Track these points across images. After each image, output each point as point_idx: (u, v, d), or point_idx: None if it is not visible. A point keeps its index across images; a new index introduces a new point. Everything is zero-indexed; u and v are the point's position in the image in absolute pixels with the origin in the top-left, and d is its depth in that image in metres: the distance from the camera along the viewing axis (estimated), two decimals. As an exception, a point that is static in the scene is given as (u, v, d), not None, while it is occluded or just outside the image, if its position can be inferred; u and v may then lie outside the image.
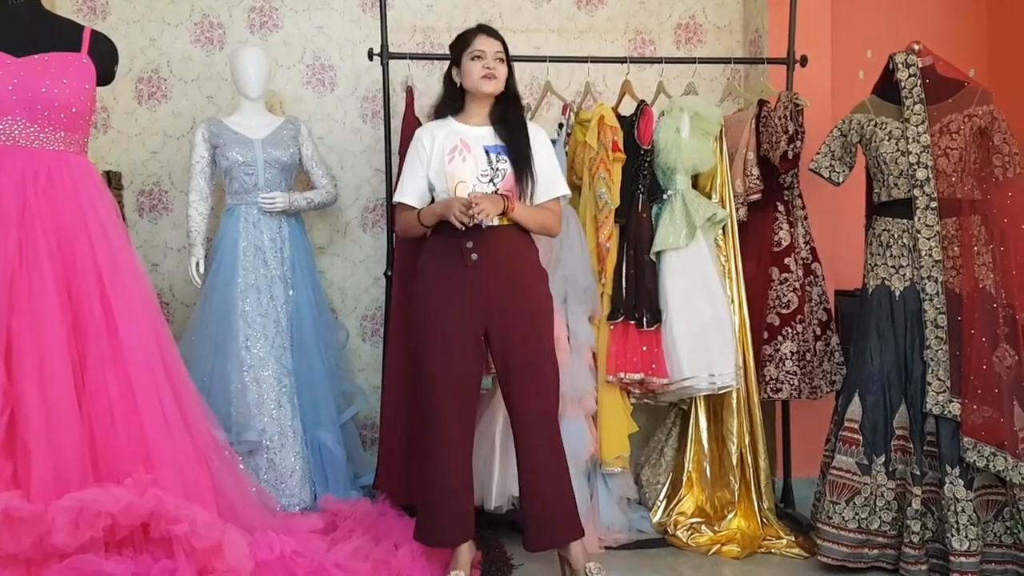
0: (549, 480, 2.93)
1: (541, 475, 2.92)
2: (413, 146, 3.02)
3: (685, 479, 3.64)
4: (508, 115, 3.00)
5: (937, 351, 3.07)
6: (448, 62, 3.05)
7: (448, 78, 3.03)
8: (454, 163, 2.92)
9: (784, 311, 3.61)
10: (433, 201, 2.97)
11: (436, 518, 2.94)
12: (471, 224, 2.77)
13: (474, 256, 2.85)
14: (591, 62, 3.80)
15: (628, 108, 3.70)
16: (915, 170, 3.12)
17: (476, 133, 2.97)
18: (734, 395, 3.57)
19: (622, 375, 3.45)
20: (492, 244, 2.88)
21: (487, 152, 2.94)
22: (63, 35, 2.69)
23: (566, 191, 3.10)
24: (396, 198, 3.04)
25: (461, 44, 2.98)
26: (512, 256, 2.94)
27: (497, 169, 2.92)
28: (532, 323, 2.95)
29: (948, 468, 3.00)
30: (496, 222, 2.89)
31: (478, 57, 2.93)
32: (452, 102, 3.02)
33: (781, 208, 3.67)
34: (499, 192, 2.90)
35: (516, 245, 2.95)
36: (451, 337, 2.89)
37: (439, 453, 2.91)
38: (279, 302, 3.70)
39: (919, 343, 3.11)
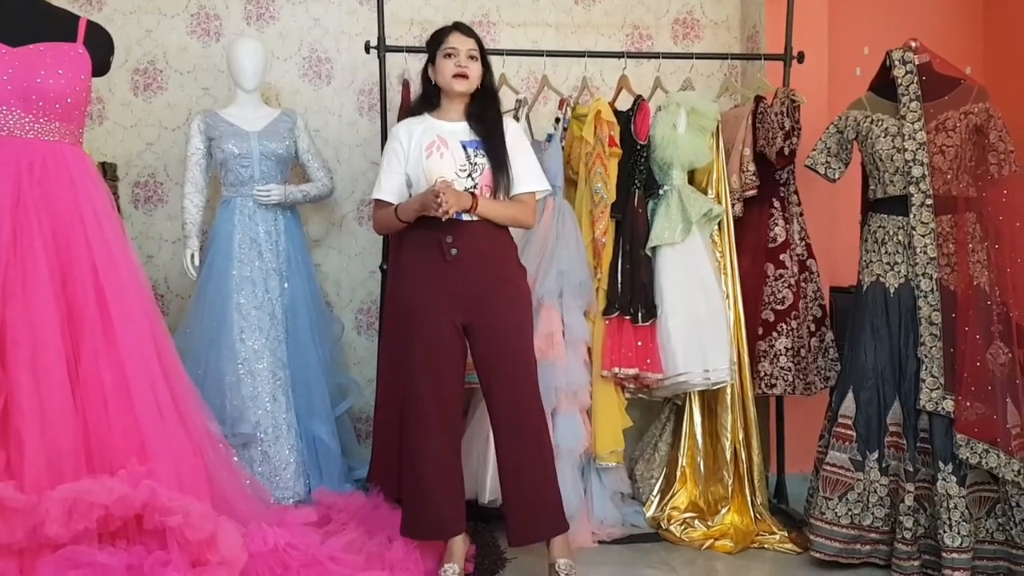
0: (537, 473, 2.93)
1: (528, 468, 2.92)
2: (390, 143, 3.03)
3: (679, 474, 3.65)
4: (485, 112, 3.02)
5: (931, 348, 3.07)
6: None
7: (425, 75, 3.05)
8: (432, 159, 2.93)
9: (779, 307, 3.62)
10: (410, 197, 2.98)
11: (421, 514, 2.95)
12: (442, 215, 2.77)
13: (453, 250, 2.87)
14: (588, 57, 3.80)
15: (625, 103, 3.70)
16: (911, 167, 3.12)
17: (452, 129, 2.99)
18: (728, 390, 3.57)
19: (617, 370, 3.46)
20: (470, 238, 2.89)
21: (464, 147, 2.96)
22: (59, 25, 2.68)
23: (540, 187, 3.07)
24: (374, 195, 3.03)
25: (435, 41, 3.00)
26: (490, 250, 2.95)
27: (475, 164, 2.95)
28: (513, 315, 2.96)
29: (941, 464, 3.01)
30: (475, 217, 2.91)
31: (450, 55, 2.95)
32: (428, 99, 3.04)
33: (777, 204, 3.68)
34: (474, 187, 2.92)
35: (493, 239, 2.96)
36: (433, 333, 2.89)
37: (426, 450, 2.91)
38: (274, 295, 3.70)
39: (913, 340, 3.12)
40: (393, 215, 2.95)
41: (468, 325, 2.92)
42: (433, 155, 2.93)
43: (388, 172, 3.00)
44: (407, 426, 2.98)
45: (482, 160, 2.95)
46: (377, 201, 3.03)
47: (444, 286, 2.89)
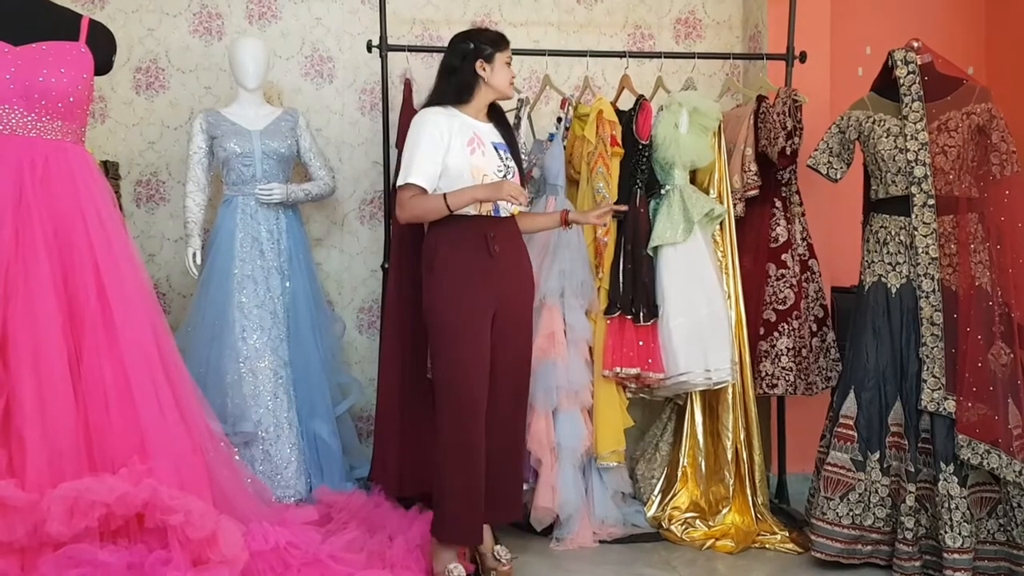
0: (517, 458, 3.07)
1: (511, 453, 3.04)
2: (428, 129, 2.92)
3: (680, 474, 3.65)
4: (501, 116, 3.12)
5: (933, 348, 3.07)
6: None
7: (471, 68, 2.98)
8: (475, 156, 2.95)
9: (780, 307, 3.62)
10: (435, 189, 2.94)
11: (471, 514, 2.92)
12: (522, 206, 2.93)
13: (496, 247, 2.94)
14: (590, 56, 3.80)
15: (627, 103, 3.69)
16: (913, 167, 3.12)
17: (485, 129, 3.04)
18: (730, 390, 3.57)
19: (618, 370, 3.46)
20: (507, 234, 3.01)
21: (496, 148, 3.02)
22: (61, 24, 2.68)
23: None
24: (411, 179, 2.89)
25: (495, 43, 3.01)
26: (519, 245, 3.08)
27: (508, 166, 3.03)
28: (528, 307, 3.11)
29: (942, 465, 3.01)
30: (511, 213, 3.02)
31: (509, 64, 3.04)
32: (469, 91, 3.00)
33: (778, 204, 3.67)
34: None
35: (519, 235, 3.10)
36: (477, 326, 2.93)
37: (474, 445, 2.89)
38: (276, 293, 3.70)
39: (915, 340, 3.12)
40: (441, 202, 2.86)
41: (495, 315, 2.97)
42: (476, 152, 2.96)
43: (428, 158, 2.90)
44: (451, 425, 2.89)
45: (511, 163, 3.04)
46: (412, 185, 2.90)
47: (486, 281, 2.94)
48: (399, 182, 2.95)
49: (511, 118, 3.59)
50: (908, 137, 3.14)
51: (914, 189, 3.13)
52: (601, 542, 3.41)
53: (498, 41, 3.03)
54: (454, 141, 2.93)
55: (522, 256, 3.09)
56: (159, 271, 4.15)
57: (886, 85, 3.28)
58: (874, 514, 3.12)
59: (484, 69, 2.99)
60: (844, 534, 3.14)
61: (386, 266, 3.64)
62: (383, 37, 3.63)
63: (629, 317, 3.49)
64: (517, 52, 3.79)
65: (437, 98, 3.03)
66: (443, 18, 4.21)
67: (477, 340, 2.92)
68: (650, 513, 3.61)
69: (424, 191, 2.91)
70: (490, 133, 3.04)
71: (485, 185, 2.90)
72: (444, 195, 2.87)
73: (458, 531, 2.94)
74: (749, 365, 3.61)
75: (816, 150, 3.42)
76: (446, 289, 2.93)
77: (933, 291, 3.09)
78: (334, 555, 2.79)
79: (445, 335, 2.93)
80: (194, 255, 3.73)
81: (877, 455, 3.13)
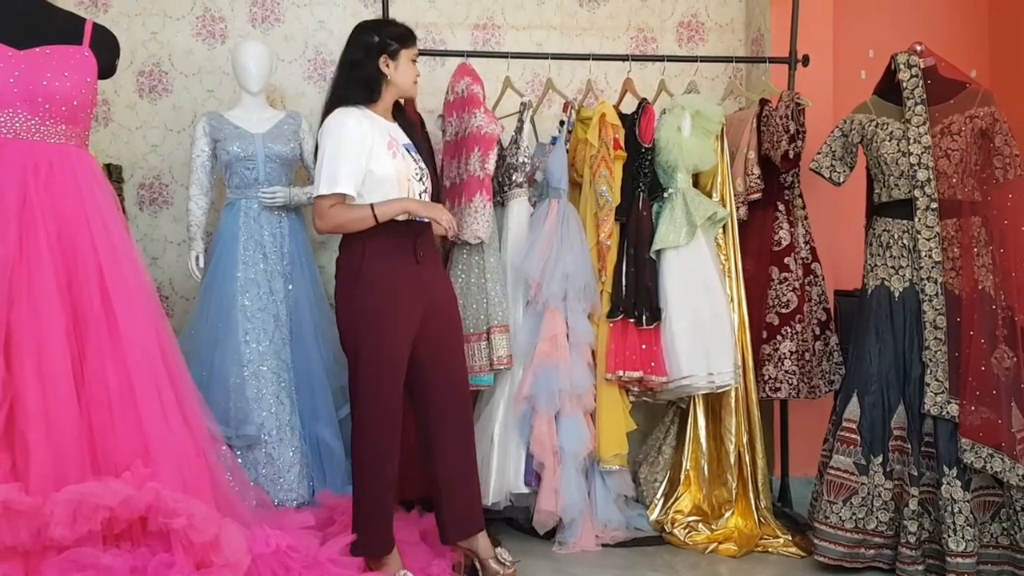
0: (470, 468, 3.02)
1: (468, 460, 3.01)
2: (350, 134, 2.76)
3: (683, 477, 3.65)
4: (404, 114, 3.01)
5: (936, 352, 3.07)
6: (382, 47, 2.87)
7: (374, 64, 2.84)
8: (397, 160, 2.84)
9: (783, 310, 3.62)
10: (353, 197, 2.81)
11: (387, 526, 2.90)
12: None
13: (422, 253, 2.88)
14: (593, 60, 3.80)
15: (629, 106, 3.70)
16: (916, 171, 3.12)
17: (395, 130, 2.92)
18: (733, 394, 3.57)
19: (621, 373, 3.45)
20: (429, 240, 2.95)
21: (407, 150, 2.91)
22: (64, 28, 2.68)
23: None
24: (339, 188, 2.74)
25: (401, 39, 2.89)
26: (436, 250, 3.05)
27: (421, 168, 2.93)
28: (455, 308, 3.06)
29: (945, 469, 3.01)
30: (427, 219, 2.92)
31: (415, 61, 2.94)
32: (374, 90, 2.86)
33: (781, 207, 3.67)
34: (425, 191, 2.93)
35: (434, 239, 3.04)
36: (405, 335, 2.86)
37: (394, 455, 2.87)
38: (278, 297, 3.70)
39: (918, 344, 3.12)
40: (368, 212, 2.75)
41: (423, 320, 2.90)
42: (397, 156, 2.84)
43: (355, 164, 2.75)
44: (377, 434, 2.84)
45: (423, 165, 2.94)
46: (339, 195, 2.75)
47: (415, 288, 2.86)
48: (322, 190, 2.75)
49: (514, 122, 3.60)
50: (911, 141, 3.14)
51: (917, 193, 3.13)
52: (604, 545, 3.41)
53: (405, 36, 2.89)
54: (376, 144, 2.79)
55: (439, 260, 3.08)
56: (162, 274, 4.15)
57: (889, 88, 3.28)
58: (877, 518, 3.12)
59: (388, 66, 2.85)
60: (847, 538, 3.13)
61: (389, 269, 3.64)
62: (386, 41, 3.62)
63: (632, 320, 3.49)
64: (519, 56, 3.82)
65: (344, 95, 2.86)
66: (445, 22, 4.22)
67: (401, 354, 2.85)
68: (653, 516, 3.61)
69: (344, 200, 2.77)
70: (400, 135, 2.92)
71: (418, 201, 2.83)
72: (372, 206, 2.76)
73: (379, 544, 2.88)
74: (752, 369, 3.61)
75: (819, 153, 3.42)
76: (376, 301, 2.81)
77: (936, 295, 3.09)
78: (332, 558, 2.80)
79: (372, 350, 2.81)
80: (197, 258, 3.73)
81: (880, 459, 3.13)
